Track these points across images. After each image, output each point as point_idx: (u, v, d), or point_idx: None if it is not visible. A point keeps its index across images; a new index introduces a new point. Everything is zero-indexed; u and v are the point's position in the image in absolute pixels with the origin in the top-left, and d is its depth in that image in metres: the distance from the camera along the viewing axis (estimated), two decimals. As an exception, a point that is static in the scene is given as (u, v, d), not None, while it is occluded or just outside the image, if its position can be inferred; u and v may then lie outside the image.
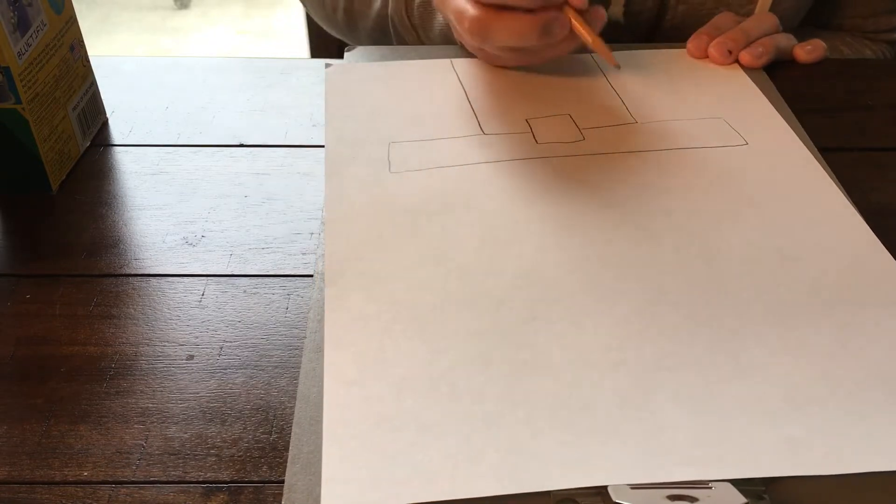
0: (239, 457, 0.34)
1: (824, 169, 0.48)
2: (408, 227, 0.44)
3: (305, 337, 0.38)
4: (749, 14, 0.63)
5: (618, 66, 0.53)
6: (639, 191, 0.46)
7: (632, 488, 0.31)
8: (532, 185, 0.47)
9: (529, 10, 0.49)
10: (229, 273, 0.44)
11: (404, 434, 0.33)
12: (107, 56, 0.63)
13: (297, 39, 2.41)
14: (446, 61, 0.60)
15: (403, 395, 0.35)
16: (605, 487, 0.31)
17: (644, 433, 0.33)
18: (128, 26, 2.49)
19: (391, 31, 0.68)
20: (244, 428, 0.36)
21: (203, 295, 0.42)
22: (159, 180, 0.51)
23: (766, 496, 0.31)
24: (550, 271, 0.41)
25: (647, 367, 0.36)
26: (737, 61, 0.59)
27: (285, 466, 0.33)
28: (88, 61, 0.54)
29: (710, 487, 0.31)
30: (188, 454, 0.34)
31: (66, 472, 0.34)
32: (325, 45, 0.89)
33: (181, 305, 0.42)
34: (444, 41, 0.64)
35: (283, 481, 0.33)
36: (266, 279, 0.43)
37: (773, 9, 0.62)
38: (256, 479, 0.34)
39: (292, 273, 0.44)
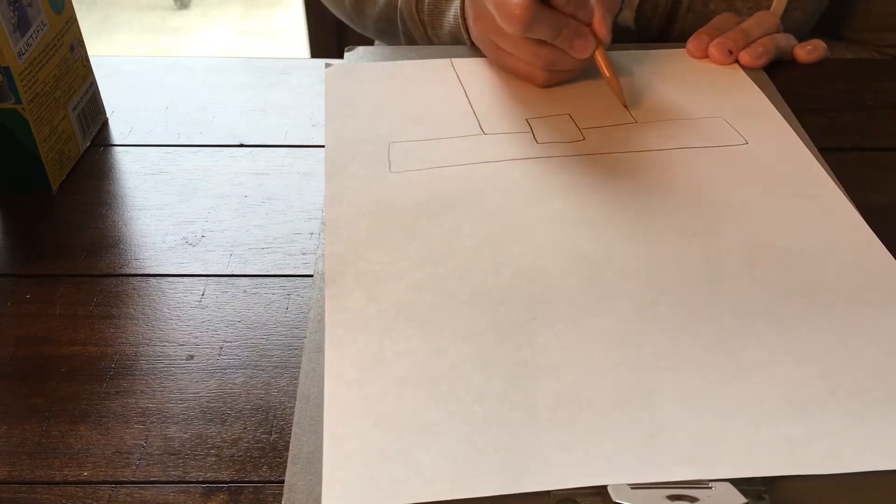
0: (239, 457, 0.34)
1: (824, 169, 0.48)
2: (408, 227, 0.44)
3: (305, 337, 0.38)
4: None
5: (626, 106, 0.54)
6: (639, 190, 0.46)
7: (632, 488, 0.31)
8: (532, 184, 0.47)
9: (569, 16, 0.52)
10: (229, 273, 0.44)
11: (404, 434, 0.33)
12: (107, 56, 0.63)
13: (297, 39, 2.41)
14: (446, 61, 0.60)
15: (403, 394, 0.35)
16: (605, 487, 0.31)
17: (644, 433, 0.33)
18: (128, 26, 2.49)
19: (398, 21, 0.68)
20: (244, 428, 0.36)
21: (203, 295, 0.42)
22: (159, 180, 0.51)
23: (766, 496, 0.31)
24: (550, 271, 0.41)
25: (647, 367, 0.36)
26: (737, 61, 0.59)
27: (285, 466, 0.33)
28: (88, 61, 0.54)
29: (710, 487, 0.31)
30: (188, 454, 0.34)
31: (66, 472, 0.34)
32: (325, 45, 0.89)
33: (181, 305, 0.42)
34: (453, 40, 0.64)
35: (283, 481, 0.33)
36: (266, 279, 0.43)
37: (781, 19, 0.62)
38: (256, 479, 0.34)
39: (292, 273, 0.44)
